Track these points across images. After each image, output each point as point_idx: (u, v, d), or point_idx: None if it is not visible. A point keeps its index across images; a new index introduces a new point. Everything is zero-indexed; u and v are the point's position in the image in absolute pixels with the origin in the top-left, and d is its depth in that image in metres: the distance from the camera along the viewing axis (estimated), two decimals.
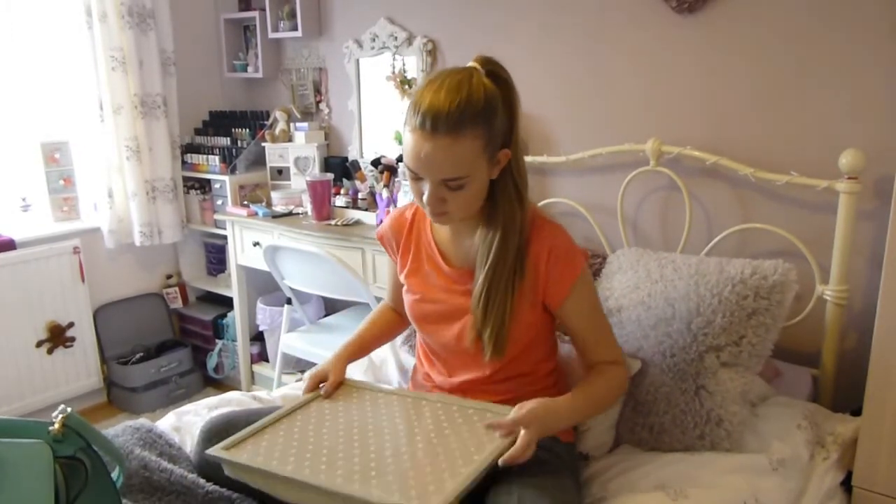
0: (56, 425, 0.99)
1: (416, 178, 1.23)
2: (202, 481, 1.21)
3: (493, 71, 1.25)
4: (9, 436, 0.98)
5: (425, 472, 1.11)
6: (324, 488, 1.08)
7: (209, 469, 1.28)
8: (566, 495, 1.18)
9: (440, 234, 1.41)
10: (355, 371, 1.86)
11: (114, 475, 1.08)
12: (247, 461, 1.16)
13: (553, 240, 1.30)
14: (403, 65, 2.72)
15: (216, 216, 3.14)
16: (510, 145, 1.26)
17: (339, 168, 2.97)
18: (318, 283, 2.60)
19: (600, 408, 1.37)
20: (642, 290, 1.66)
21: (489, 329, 1.27)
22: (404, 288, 1.47)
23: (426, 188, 1.22)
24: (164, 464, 1.27)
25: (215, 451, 1.20)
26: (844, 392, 1.79)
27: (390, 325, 1.65)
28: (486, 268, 1.27)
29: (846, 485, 1.50)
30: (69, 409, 1.01)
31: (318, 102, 3.15)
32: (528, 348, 1.36)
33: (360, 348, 1.59)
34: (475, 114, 1.17)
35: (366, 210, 2.74)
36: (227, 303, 3.29)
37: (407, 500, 1.04)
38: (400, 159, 2.63)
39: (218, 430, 1.31)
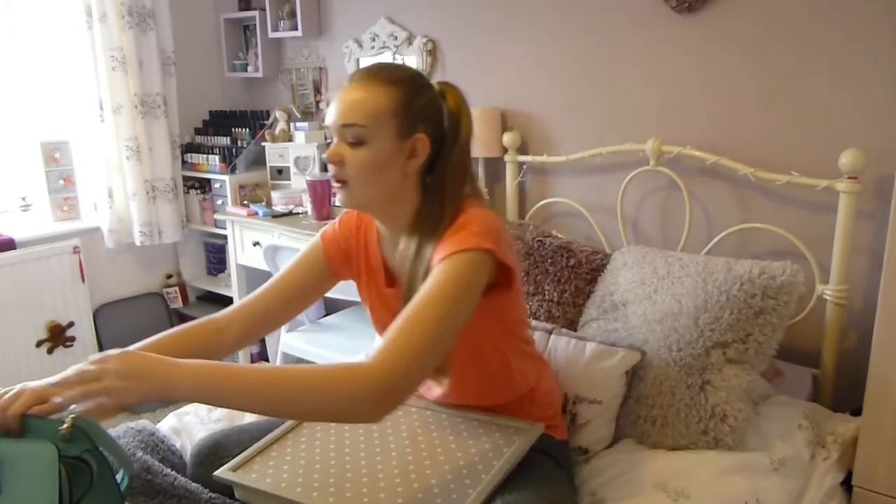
0: (65, 426, 0.98)
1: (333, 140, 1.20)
2: (204, 489, 1.21)
3: (445, 90, 1.24)
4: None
5: (434, 493, 1.11)
6: None
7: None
8: (556, 497, 1.18)
9: (387, 249, 1.32)
10: None
11: (118, 477, 1.08)
12: (255, 484, 1.15)
13: (470, 216, 1.16)
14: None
15: (216, 216, 3.14)
16: (440, 149, 1.20)
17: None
18: None
19: (285, 401, 0.96)
20: (648, 285, 1.67)
21: None
22: (368, 307, 1.39)
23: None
24: (167, 469, 1.26)
25: (223, 472, 1.19)
26: (844, 392, 1.79)
27: (203, 343, 1.27)
28: (410, 272, 1.18)
29: (846, 485, 1.50)
30: (78, 410, 1.00)
31: (318, 102, 3.14)
32: (479, 349, 1.27)
33: None
34: (393, 77, 1.16)
35: None
36: (227, 302, 3.29)
37: None
38: None
39: (208, 453, 1.29)
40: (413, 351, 0.98)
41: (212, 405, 0.95)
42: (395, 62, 1.24)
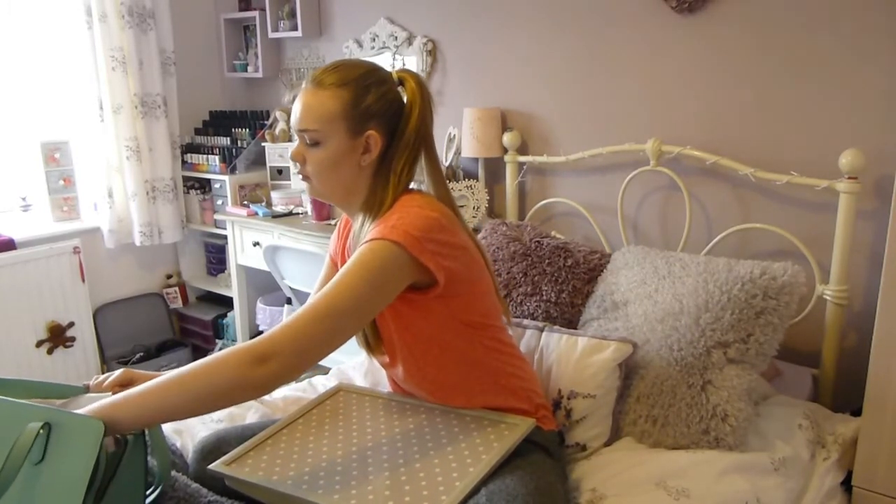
0: None
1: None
2: (204, 490, 1.21)
3: (403, 78, 1.28)
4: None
5: (421, 486, 1.12)
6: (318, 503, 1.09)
7: (207, 486, 1.28)
8: (543, 483, 1.18)
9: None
10: (355, 374, 1.86)
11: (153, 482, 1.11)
12: (247, 477, 1.17)
13: (404, 208, 1.21)
14: (403, 65, 2.72)
15: (216, 216, 3.14)
16: (393, 137, 1.26)
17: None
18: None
19: (191, 393, 0.98)
20: (649, 285, 1.67)
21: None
22: None
23: None
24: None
25: (217, 466, 1.21)
26: (844, 392, 1.79)
27: None
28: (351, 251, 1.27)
29: (846, 485, 1.50)
30: None
31: None
32: (428, 347, 1.29)
33: None
34: (343, 79, 1.23)
35: None
36: (227, 303, 3.29)
37: None
38: None
39: (211, 449, 1.30)
40: (300, 324, 1.04)
41: (144, 427, 1.02)
42: (351, 59, 1.29)
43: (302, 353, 1.04)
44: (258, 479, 1.16)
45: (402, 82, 1.28)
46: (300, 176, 1.31)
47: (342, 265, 1.42)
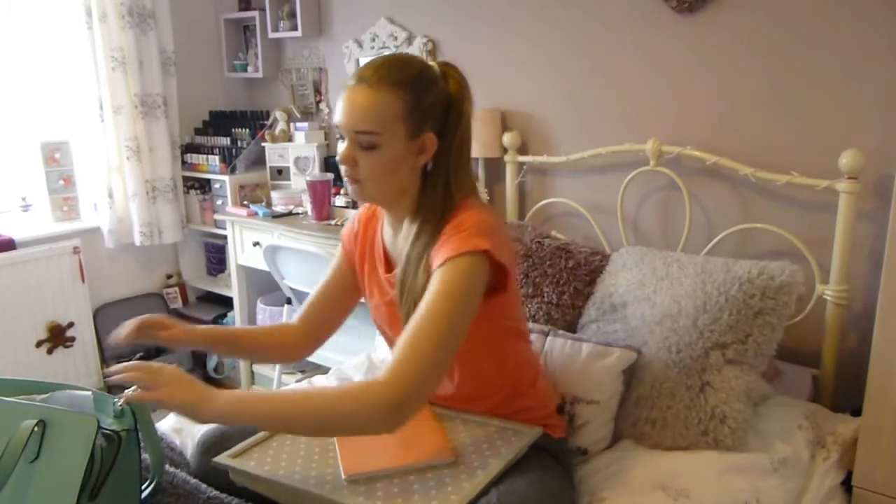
0: (121, 400, 1.03)
1: (341, 137, 1.22)
2: (203, 486, 1.21)
3: (447, 72, 1.25)
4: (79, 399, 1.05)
5: (429, 485, 1.12)
6: (328, 499, 1.09)
7: (208, 480, 1.28)
8: (554, 488, 1.18)
9: (388, 236, 1.36)
10: (356, 374, 1.86)
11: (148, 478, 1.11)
12: (253, 470, 1.17)
13: (467, 214, 1.19)
14: None
15: (216, 216, 3.14)
16: (443, 136, 1.22)
17: (339, 168, 2.97)
18: (317, 283, 2.60)
19: (311, 421, 1.05)
20: (647, 286, 1.67)
21: (405, 310, 1.21)
22: (366, 294, 1.42)
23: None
24: (167, 467, 1.26)
25: (222, 458, 1.20)
26: (844, 392, 1.79)
27: (277, 341, 1.42)
28: (405, 256, 1.23)
29: (846, 485, 1.50)
30: (128, 392, 1.06)
31: (318, 102, 3.14)
32: (474, 351, 1.25)
33: (223, 339, 1.37)
34: (402, 78, 1.17)
35: None
36: (227, 303, 3.29)
37: None
38: None
39: (214, 442, 1.30)
40: (423, 364, 1.04)
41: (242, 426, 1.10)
42: (398, 55, 1.23)
43: (429, 394, 1.08)
44: (265, 473, 1.15)
45: (445, 76, 1.23)
46: (348, 179, 1.23)
47: (357, 258, 1.42)
